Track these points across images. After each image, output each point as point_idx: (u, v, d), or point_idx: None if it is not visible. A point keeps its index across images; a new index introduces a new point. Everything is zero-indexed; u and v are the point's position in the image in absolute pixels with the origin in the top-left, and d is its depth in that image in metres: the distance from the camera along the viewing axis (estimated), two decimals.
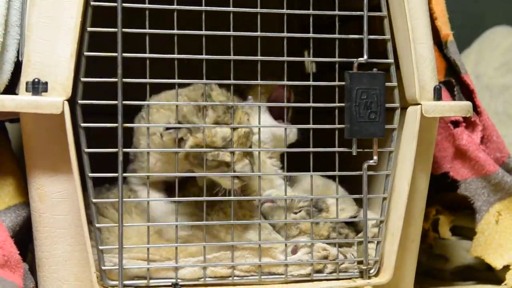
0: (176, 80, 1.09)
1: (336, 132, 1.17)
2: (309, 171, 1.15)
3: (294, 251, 1.16)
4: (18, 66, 1.13)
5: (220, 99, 1.12)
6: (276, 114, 1.27)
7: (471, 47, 2.11)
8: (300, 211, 1.21)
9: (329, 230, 1.20)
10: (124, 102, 1.06)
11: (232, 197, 1.12)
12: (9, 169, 1.18)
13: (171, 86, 1.10)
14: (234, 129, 1.10)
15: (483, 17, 2.27)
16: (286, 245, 1.15)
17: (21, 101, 1.04)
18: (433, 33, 1.22)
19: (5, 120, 1.27)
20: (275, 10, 1.12)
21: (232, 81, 1.11)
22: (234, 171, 1.11)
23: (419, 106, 1.16)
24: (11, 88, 1.14)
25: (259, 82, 1.12)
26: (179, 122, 1.10)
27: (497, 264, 1.34)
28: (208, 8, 1.09)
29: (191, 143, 1.09)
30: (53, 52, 1.06)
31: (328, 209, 1.21)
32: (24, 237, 1.17)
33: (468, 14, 2.25)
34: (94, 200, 1.08)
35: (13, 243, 1.06)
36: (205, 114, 1.10)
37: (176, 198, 1.10)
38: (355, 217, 1.21)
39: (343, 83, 1.14)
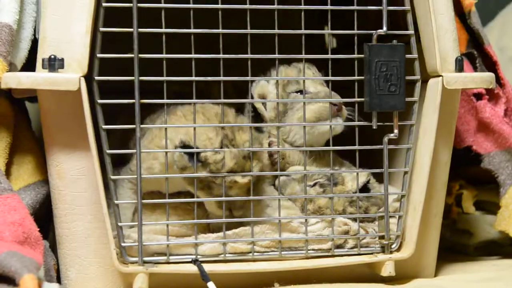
0: (193, 55, 1.08)
1: (356, 105, 1.16)
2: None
3: None
4: (35, 44, 1.13)
5: (244, 138, 1.11)
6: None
7: (494, 20, 2.08)
8: (315, 185, 1.20)
9: (344, 205, 1.18)
10: (140, 78, 1.06)
11: (250, 173, 1.11)
12: (28, 147, 1.19)
13: (189, 63, 1.09)
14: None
15: None
16: (306, 220, 1.14)
17: (37, 78, 1.04)
18: (454, 4, 1.20)
19: (24, 99, 1.27)
20: None
21: (249, 55, 1.10)
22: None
23: (440, 78, 1.14)
24: (30, 66, 1.14)
25: (277, 56, 1.11)
26: (188, 144, 1.09)
27: None
28: None
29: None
30: (69, 28, 1.05)
31: (344, 181, 1.20)
32: (44, 215, 1.17)
33: None
34: (112, 177, 1.08)
35: (32, 221, 1.06)
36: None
37: (191, 199, 1.09)
38: (368, 182, 1.20)
39: (362, 55, 1.12)
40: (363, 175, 1.21)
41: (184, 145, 1.09)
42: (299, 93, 1.24)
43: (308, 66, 1.26)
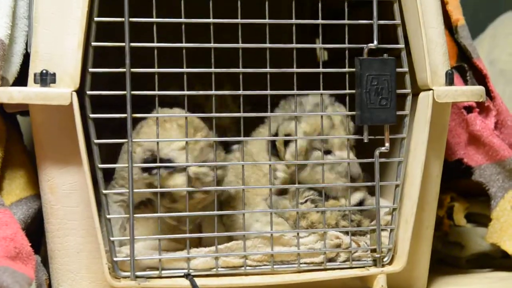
0: (185, 70, 1.08)
1: (347, 119, 1.16)
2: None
3: None
4: (27, 59, 1.13)
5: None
6: None
7: (485, 32, 2.09)
8: (306, 201, 1.19)
9: (337, 218, 1.19)
10: (132, 92, 1.06)
11: (241, 186, 1.12)
12: (20, 161, 1.18)
13: (180, 76, 1.09)
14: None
15: (498, 1, 2.24)
16: (298, 233, 1.14)
17: (29, 93, 1.04)
18: (444, 18, 1.21)
19: (16, 113, 1.27)
20: None
21: (241, 70, 1.10)
22: None
23: (431, 91, 1.15)
24: (22, 80, 1.14)
25: (268, 70, 1.11)
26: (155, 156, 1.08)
27: None
28: None
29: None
30: (61, 43, 1.05)
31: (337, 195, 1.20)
32: (36, 230, 1.17)
33: None
34: (104, 192, 1.08)
35: (24, 235, 1.06)
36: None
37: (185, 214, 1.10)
38: (363, 200, 1.20)
39: (353, 69, 1.13)
40: (361, 192, 1.21)
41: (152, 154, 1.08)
42: (321, 152, 1.19)
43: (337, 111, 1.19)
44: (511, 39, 2.03)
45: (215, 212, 1.11)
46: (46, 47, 1.06)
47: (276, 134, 1.20)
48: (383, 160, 1.15)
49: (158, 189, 1.09)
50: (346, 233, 1.16)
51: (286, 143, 1.19)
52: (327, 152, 1.20)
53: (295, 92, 1.14)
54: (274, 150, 1.21)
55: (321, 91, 1.14)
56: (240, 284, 1.11)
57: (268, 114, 1.14)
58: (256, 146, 1.24)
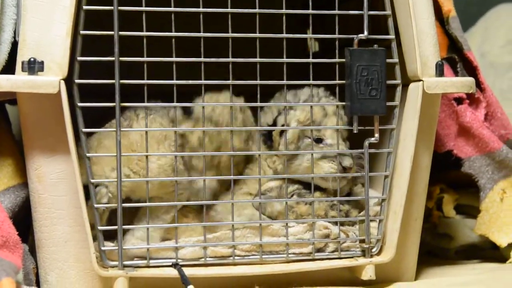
0: (174, 59, 1.08)
1: (337, 109, 1.16)
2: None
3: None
4: (15, 47, 1.12)
5: None
6: None
7: (476, 25, 2.09)
8: (292, 196, 1.19)
9: (326, 209, 1.18)
10: (121, 81, 1.05)
11: (231, 176, 1.12)
12: (7, 150, 1.18)
13: (169, 66, 1.09)
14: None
15: None
16: (287, 224, 1.14)
17: (17, 81, 1.04)
18: (435, 9, 1.20)
19: (4, 101, 1.26)
20: None
21: (230, 59, 1.10)
22: None
23: (421, 82, 1.15)
24: (10, 69, 1.13)
25: (258, 60, 1.11)
26: None
27: (502, 242, 1.32)
28: None
29: None
30: (49, 31, 1.05)
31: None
32: (24, 219, 1.16)
33: None
34: (92, 181, 1.07)
35: (11, 224, 1.05)
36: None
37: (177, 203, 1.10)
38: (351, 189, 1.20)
39: (344, 60, 1.12)
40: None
41: None
42: (313, 140, 1.19)
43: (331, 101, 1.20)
44: (502, 32, 2.03)
45: (204, 202, 1.11)
46: (34, 35, 1.05)
47: (274, 124, 1.20)
48: (372, 151, 1.15)
49: (147, 179, 1.09)
50: (335, 223, 1.16)
51: (281, 134, 1.19)
52: (319, 140, 1.20)
53: (285, 82, 1.13)
54: (270, 141, 1.21)
55: (311, 81, 1.14)
56: (228, 274, 1.11)
57: (260, 104, 1.13)
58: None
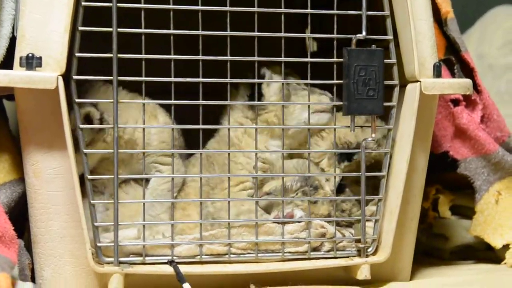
0: (172, 56, 1.08)
1: (334, 109, 1.17)
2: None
3: (290, 216, 1.15)
4: (14, 42, 1.12)
5: None
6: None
7: (474, 27, 2.10)
8: (296, 194, 1.19)
9: (329, 209, 1.18)
10: (119, 77, 1.05)
11: (226, 174, 1.12)
12: (4, 145, 1.18)
13: (167, 63, 1.09)
14: None
15: None
16: (283, 222, 1.14)
17: (15, 76, 1.04)
18: (433, 10, 1.21)
19: (2, 97, 1.26)
20: None
21: (229, 57, 1.10)
22: None
23: (418, 83, 1.15)
24: (8, 64, 1.13)
25: (255, 58, 1.11)
26: None
27: (497, 243, 1.33)
28: None
29: None
30: (47, 26, 1.05)
31: (323, 186, 1.20)
32: (20, 214, 1.16)
33: None
34: (89, 177, 1.07)
35: (7, 219, 1.05)
36: None
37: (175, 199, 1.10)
38: (341, 180, 1.20)
39: (342, 59, 1.13)
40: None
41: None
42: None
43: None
44: (500, 33, 2.03)
45: (199, 199, 1.11)
46: (33, 31, 1.05)
47: (252, 94, 1.20)
48: (369, 151, 1.15)
49: (143, 175, 1.09)
50: (332, 222, 1.17)
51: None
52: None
53: (282, 81, 1.14)
54: (253, 114, 1.20)
55: (309, 81, 1.14)
56: (224, 272, 1.11)
57: (258, 102, 1.13)
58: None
